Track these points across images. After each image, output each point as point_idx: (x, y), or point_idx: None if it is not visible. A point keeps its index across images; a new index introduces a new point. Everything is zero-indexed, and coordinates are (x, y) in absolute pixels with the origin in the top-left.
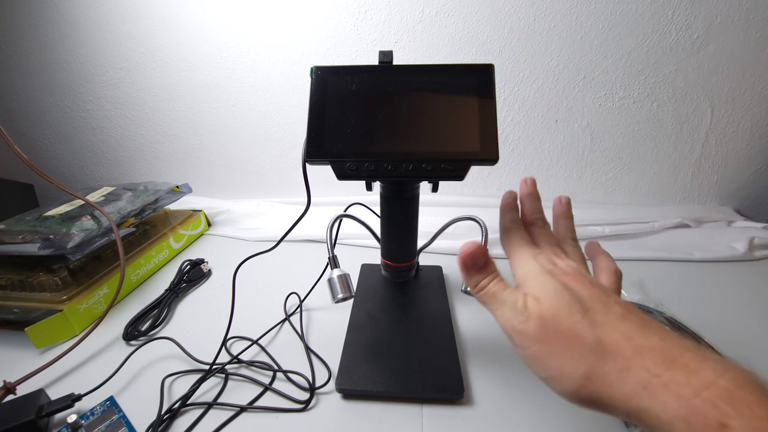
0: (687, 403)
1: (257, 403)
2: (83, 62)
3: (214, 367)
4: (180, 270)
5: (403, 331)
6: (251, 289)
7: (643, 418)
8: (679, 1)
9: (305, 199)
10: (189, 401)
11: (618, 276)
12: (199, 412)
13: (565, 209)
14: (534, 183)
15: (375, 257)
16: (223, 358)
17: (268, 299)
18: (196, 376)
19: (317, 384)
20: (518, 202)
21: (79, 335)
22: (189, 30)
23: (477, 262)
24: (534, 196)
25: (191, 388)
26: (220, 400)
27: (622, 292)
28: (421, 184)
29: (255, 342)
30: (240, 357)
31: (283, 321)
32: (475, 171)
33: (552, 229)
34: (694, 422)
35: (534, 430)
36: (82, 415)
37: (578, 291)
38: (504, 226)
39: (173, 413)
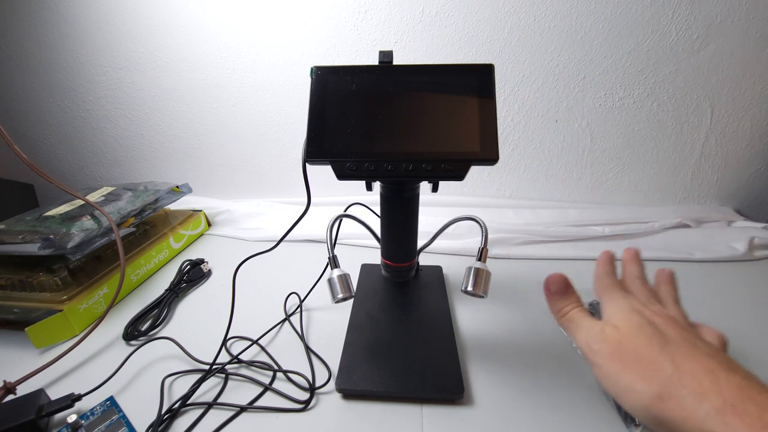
0: None
1: (257, 403)
2: (83, 62)
3: (214, 367)
4: (180, 270)
5: (403, 331)
6: (251, 289)
7: None
8: (679, 1)
9: (305, 199)
10: (189, 401)
11: (723, 342)
12: (199, 412)
13: (668, 278)
14: (639, 253)
15: (375, 257)
16: (223, 358)
17: (268, 299)
18: (196, 376)
19: (317, 384)
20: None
21: (79, 335)
22: (189, 30)
23: (561, 290)
24: (638, 261)
25: (191, 388)
26: (220, 400)
27: None
28: (421, 184)
29: (255, 342)
30: (240, 357)
31: (283, 321)
32: (475, 171)
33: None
34: None
35: (534, 430)
36: (82, 415)
37: (664, 329)
38: (598, 273)
39: (173, 413)
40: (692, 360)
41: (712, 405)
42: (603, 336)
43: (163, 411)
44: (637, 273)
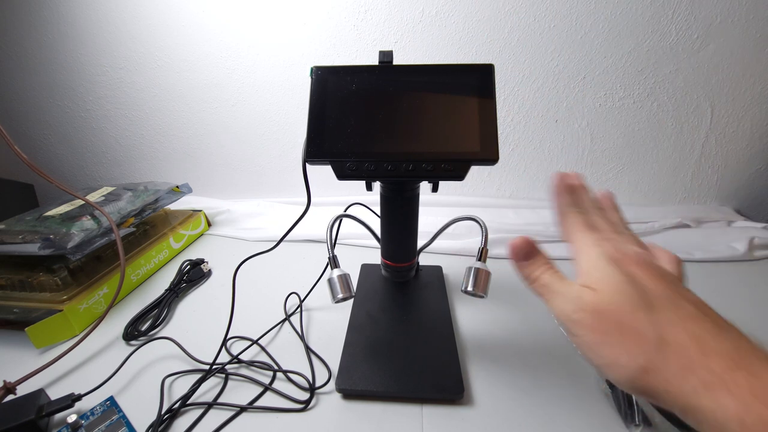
0: (744, 404)
1: (257, 403)
2: (83, 62)
3: (214, 367)
4: (180, 270)
5: (403, 331)
6: (251, 289)
7: (699, 416)
8: (679, 1)
9: (305, 199)
10: (189, 401)
11: (679, 264)
12: (199, 412)
13: (613, 202)
14: (582, 178)
15: (375, 257)
16: (223, 358)
17: (268, 299)
18: (196, 376)
19: (317, 384)
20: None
21: (79, 335)
22: (189, 30)
23: (527, 254)
24: (586, 188)
25: (191, 388)
26: (220, 400)
27: None
28: (421, 184)
29: (255, 342)
30: (240, 357)
31: (283, 321)
32: (475, 171)
33: None
34: (748, 421)
35: (534, 430)
36: (82, 415)
37: (646, 285)
38: (560, 210)
39: (173, 413)
40: (678, 327)
41: (700, 380)
42: (581, 303)
43: (163, 411)
44: (591, 202)
